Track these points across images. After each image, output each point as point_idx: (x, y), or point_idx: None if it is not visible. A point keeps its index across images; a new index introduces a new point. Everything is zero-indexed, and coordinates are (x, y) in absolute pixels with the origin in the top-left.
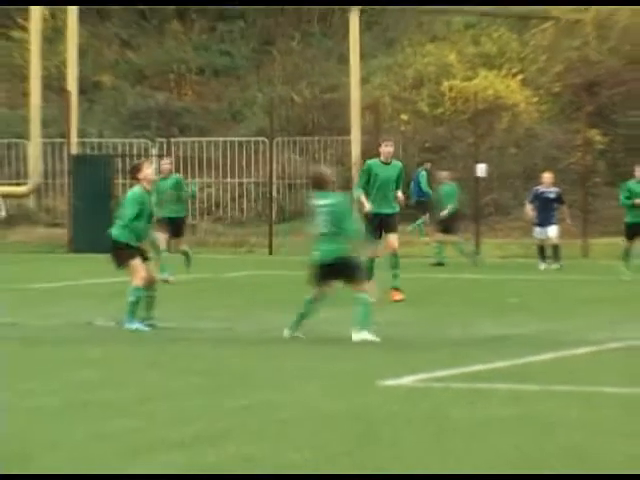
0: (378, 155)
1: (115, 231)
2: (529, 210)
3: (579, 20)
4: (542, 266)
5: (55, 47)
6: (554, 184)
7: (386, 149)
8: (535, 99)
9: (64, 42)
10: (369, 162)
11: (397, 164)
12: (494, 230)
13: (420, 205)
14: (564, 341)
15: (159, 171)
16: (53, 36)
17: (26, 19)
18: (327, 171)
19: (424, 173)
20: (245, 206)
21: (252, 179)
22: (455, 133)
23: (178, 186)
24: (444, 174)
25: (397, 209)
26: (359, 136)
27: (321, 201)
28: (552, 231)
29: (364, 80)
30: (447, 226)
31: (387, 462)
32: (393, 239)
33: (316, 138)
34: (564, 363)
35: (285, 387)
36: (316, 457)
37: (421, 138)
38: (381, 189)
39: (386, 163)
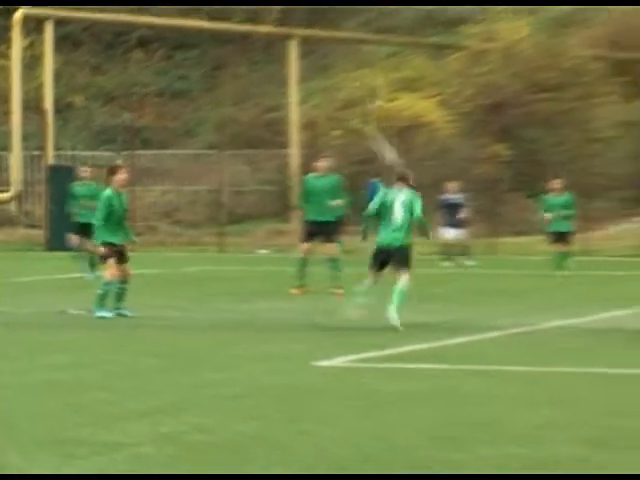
0: (316, 169)
1: (96, 233)
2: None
3: (487, 49)
4: (468, 262)
5: (33, 72)
6: (459, 191)
7: (320, 164)
8: (449, 118)
9: (41, 68)
10: (306, 176)
11: (333, 176)
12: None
13: None
14: (475, 326)
15: (79, 178)
16: (32, 63)
17: (8, 47)
18: (409, 171)
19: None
20: (199, 210)
21: (205, 187)
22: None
23: (95, 194)
24: None
25: (334, 217)
26: (298, 150)
27: (400, 195)
28: (460, 233)
29: (302, 101)
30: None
31: (321, 429)
32: (330, 246)
33: (260, 151)
34: (476, 345)
35: (233, 367)
36: (260, 427)
37: (352, 152)
38: (317, 199)
39: (322, 176)
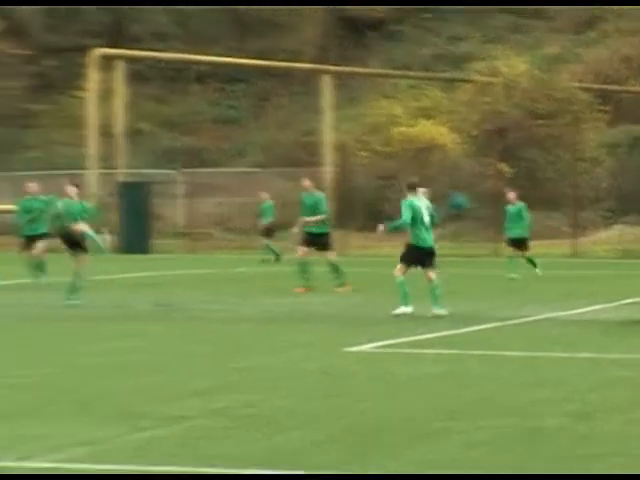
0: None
1: None
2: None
3: (491, 82)
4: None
5: (107, 103)
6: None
7: (306, 184)
8: (459, 140)
9: (113, 99)
10: (302, 194)
11: (316, 195)
12: None
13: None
14: (479, 318)
15: (26, 192)
16: (105, 94)
17: (85, 82)
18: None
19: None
20: (247, 219)
21: (253, 199)
22: (401, 166)
23: (45, 205)
24: (264, 194)
25: (324, 229)
26: (331, 168)
27: (423, 202)
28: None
29: (334, 127)
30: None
31: (348, 404)
32: (327, 254)
33: (299, 169)
34: (479, 334)
35: (274, 353)
36: (298, 403)
37: (376, 170)
38: (306, 214)
39: (310, 194)
